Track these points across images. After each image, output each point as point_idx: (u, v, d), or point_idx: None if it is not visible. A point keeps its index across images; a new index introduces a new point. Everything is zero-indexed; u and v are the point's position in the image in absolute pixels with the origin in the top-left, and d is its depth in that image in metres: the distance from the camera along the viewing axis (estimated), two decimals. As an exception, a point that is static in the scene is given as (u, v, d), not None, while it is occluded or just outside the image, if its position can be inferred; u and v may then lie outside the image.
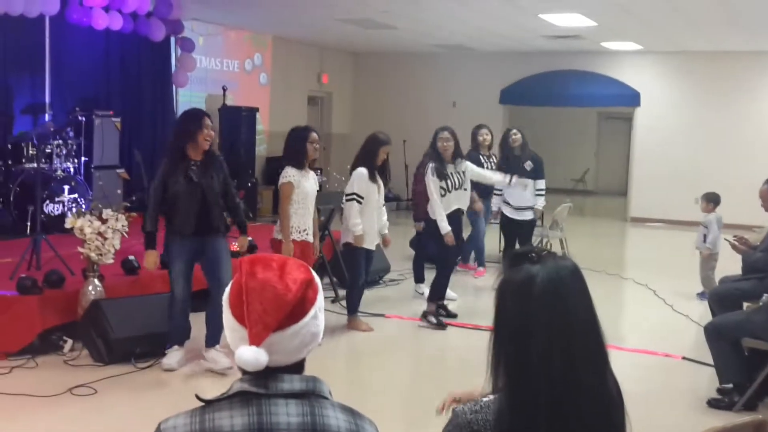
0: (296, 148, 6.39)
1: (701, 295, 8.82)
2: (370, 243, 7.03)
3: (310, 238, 6.51)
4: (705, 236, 8.82)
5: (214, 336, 5.86)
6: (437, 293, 7.55)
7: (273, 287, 1.60)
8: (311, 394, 1.63)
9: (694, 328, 7.48)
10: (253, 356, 1.57)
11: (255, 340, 1.57)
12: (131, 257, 6.87)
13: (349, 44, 16.69)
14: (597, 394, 1.71)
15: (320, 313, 1.69)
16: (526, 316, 1.69)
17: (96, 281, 6.15)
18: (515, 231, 9.00)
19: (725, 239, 6.61)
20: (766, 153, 14.67)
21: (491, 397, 1.75)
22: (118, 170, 10.83)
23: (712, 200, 8.96)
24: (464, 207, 7.59)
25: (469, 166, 7.63)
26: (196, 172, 5.67)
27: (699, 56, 15.53)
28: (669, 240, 13.92)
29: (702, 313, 7.80)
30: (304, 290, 1.63)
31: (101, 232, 6.06)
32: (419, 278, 8.73)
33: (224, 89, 13.28)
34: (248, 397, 1.59)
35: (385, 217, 7.29)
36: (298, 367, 1.66)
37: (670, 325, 7.86)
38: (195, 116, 5.78)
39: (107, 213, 6.19)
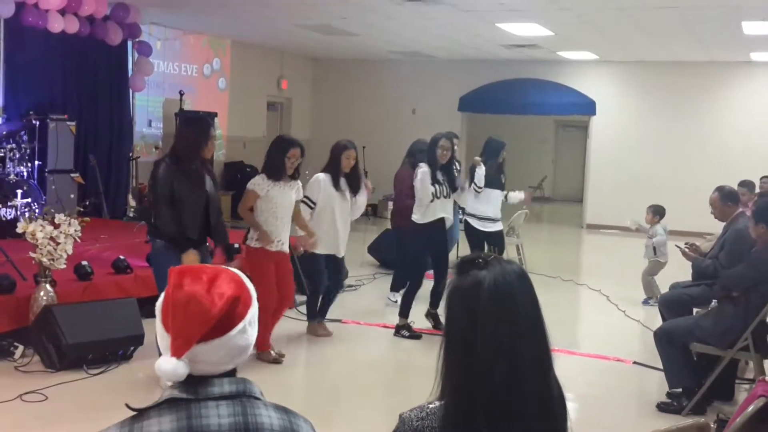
0: (274, 161, 6.24)
1: (645, 302, 9.00)
2: (329, 249, 6.98)
3: (286, 249, 6.40)
4: (654, 247, 9.05)
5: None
6: (408, 307, 7.41)
7: (198, 301, 1.58)
8: (242, 396, 1.63)
9: (645, 333, 7.59)
10: (172, 368, 1.57)
11: (176, 352, 1.57)
12: (84, 262, 6.80)
13: (309, 50, 16.70)
14: (541, 398, 1.73)
15: (250, 327, 1.67)
16: (473, 320, 1.71)
17: (48, 286, 6.07)
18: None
19: (676, 246, 6.73)
20: (718, 162, 14.94)
21: (437, 403, 1.76)
22: (73, 174, 10.69)
23: (657, 213, 9.22)
24: (449, 216, 7.50)
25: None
26: (200, 180, 5.54)
27: (654, 66, 15.80)
28: (622, 247, 14.11)
29: (653, 318, 7.92)
30: (231, 305, 1.61)
31: (53, 236, 5.98)
32: (398, 287, 8.35)
33: (181, 93, 13.19)
34: (177, 403, 1.59)
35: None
36: (227, 376, 1.66)
37: (622, 331, 7.99)
38: (204, 125, 5.65)
39: (60, 218, 6.11)
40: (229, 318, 1.61)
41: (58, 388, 5.45)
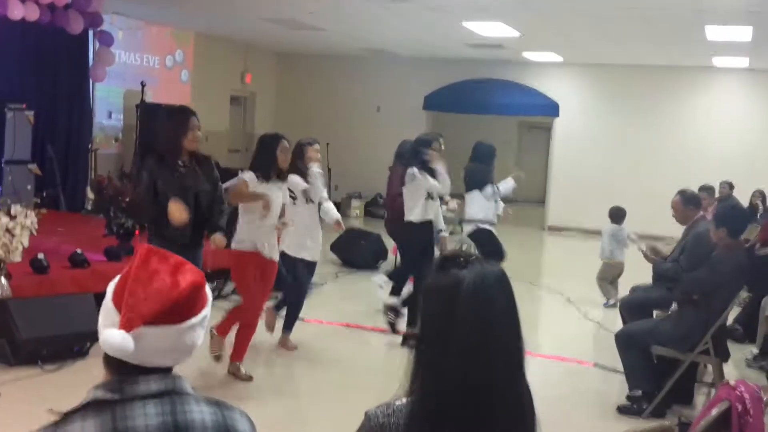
0: (264, 157, 5.89)
1: (605, 304, 9.08)
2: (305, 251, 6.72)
3: (275, 257, 6.04)
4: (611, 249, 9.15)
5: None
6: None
7: (161, 279, 1.54)
8: (171, 393, 1.57)
9: (606, 336, 7.63)
10: (120, 340, 1.49)
11: (126, 325, 1.50)
12: (40, 256, 6.64)
13: (274, 44, 16.57)
14: (512, 401, 1.71)
15: (200, 328, 1.62)
16: (449, 319, 1.68)
17: (2, 280, 5.92)
18: None
19: (640, 249, 6.76)
20: (679, 166, 15.12)
21: (405, 400, 1.73)
22: (30, 165, 10.49)
23: (614, 214, 9.29)
24: (437, 219, 7.42)
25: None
26: (186, 175, 5.26)
27: (617, 69, 15.92)
28: (583, 249, 14.18)
29: (612, 320, 7.98)
30: (193, 293, 1.57)
31: (9, 228, 5.83)
32: (398, 290, 7.71)
33: (143, 85, 12.97)
34: (102, 405, 1.52)
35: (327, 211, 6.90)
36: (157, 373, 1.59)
37: (583, 332, 8.03)
38: (180, 116, 5.31)
39: (16, 209, 5.96)
40: (186, 306, 1.57)
41: (12, 384, 5.33)
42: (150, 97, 13.42)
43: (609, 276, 9.18)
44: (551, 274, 11.28)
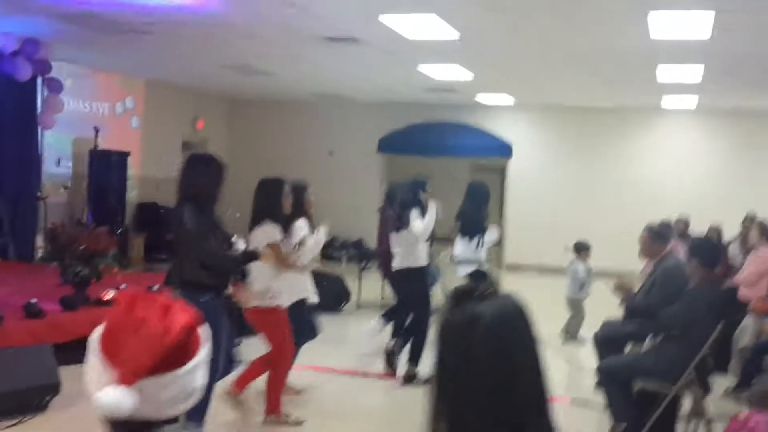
0: (271, 205, 5.54)
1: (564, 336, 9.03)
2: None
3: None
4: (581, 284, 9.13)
5: (197, 411, 4.53)
6: (419, 353, 7.05)
7: (151, 326, 1.43)
8: None
9: (577, 371, 7.56)
10: (116, 399, 1.37)
11: (125, 379, 1.38)
12: (-7, 307, 6.33)
13: (226, 90, 16.43)
14: None
15: (199, 369, 1.52)
16: (467, 358, 1.56)
17: (-47, 333, 5.61)
18: None
19: (608, 284, 6.72)
20: (632, 203, 15.33)
21: None
22: (-23, 215, 10.13)
23: (578, 248, 9.30)
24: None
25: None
26: (218, 225, 4.92)
27: (569, 111, 16.15)
28: (543, 286, 14.19)
29: (583, 355, 7.90)
30: (186, 335, 1.46)
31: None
32: (399, 331, 7.59)
33: (96, 130, 12.67)
34: None
35: None
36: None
37: (554, 368, 7.91)
38: (219, 166, 4.89)
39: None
40: (182, 350, 1.45)
41: (-34, 444, 5.01)
42: (100, 144, 13.14)
43: (576, 312, 9.15)
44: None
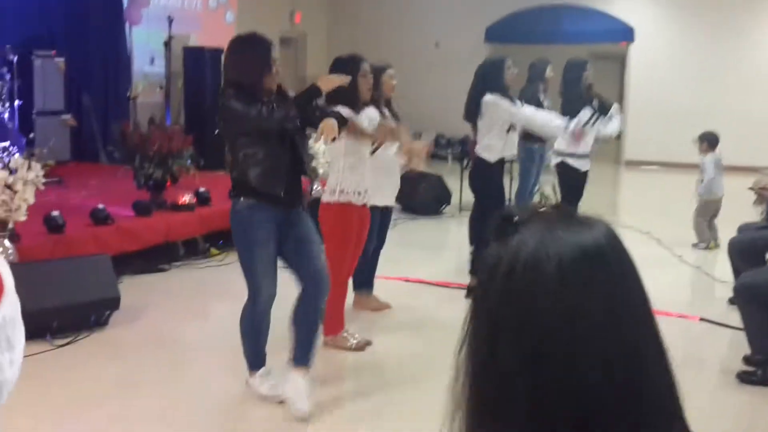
0: (345, 87, 4.42)
1: (695, 245, 7.98)
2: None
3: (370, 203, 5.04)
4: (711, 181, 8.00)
5: (304, 353, 4.10)
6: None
7: None
8: None
9: (708, 283, 6.60)
10: None
11: None
12: (55, 213, 5.88)
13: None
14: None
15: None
16: (529, 317, 0.99)
17: (6, 242, 5.18)
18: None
19: (750, 188, 5.72)
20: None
21: None
22: (64, 116, 9.79)
23: (706, 139, 8.12)
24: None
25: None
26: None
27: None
28: (667, 184, 13.00)
29: (712, 264, 6.93)
30: None
31: (9, 184, 5.05)
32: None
33: (170, 20, 11.68)
34: None
35: None
36: None
37: (681, 280, 6.95)
38: (261, 46, 4.05)
39: (16, 161, 5.18)
40: None
41: (15, 364, 4.58)
42: (194, 41, 12.57)
43: (709, 214, 8.03)
44: (633, 213, 10.09)
